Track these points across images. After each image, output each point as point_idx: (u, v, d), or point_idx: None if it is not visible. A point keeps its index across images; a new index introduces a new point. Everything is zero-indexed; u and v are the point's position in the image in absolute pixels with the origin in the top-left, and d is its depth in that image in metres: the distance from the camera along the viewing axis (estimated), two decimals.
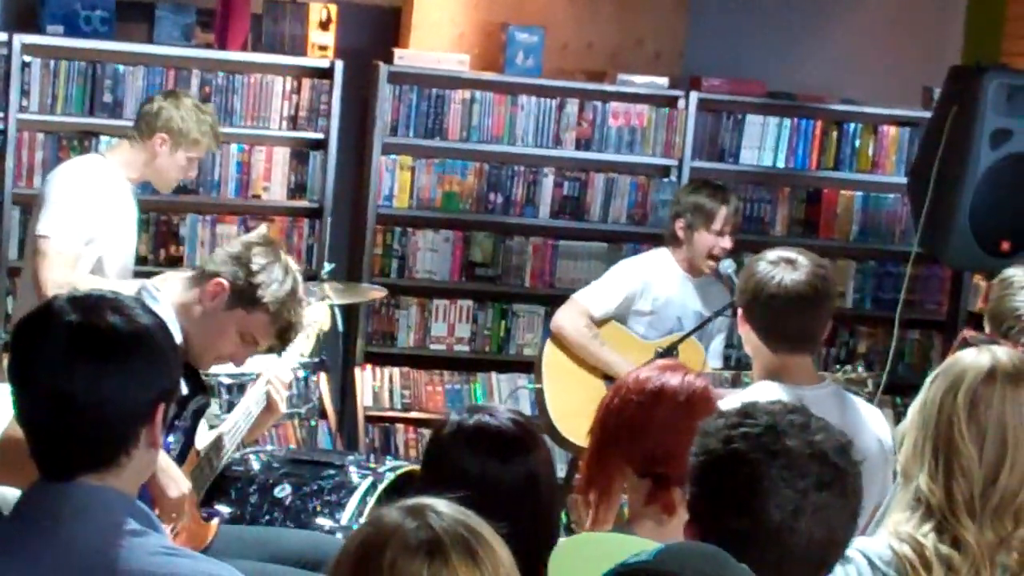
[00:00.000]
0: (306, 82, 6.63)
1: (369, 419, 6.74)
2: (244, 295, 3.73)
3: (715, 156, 7.03)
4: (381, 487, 4.37)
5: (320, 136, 6.65)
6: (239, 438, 4.07)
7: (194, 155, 5.14)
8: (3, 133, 6.28)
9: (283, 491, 4.33)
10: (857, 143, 7.16)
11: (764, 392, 3.38)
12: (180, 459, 3.76)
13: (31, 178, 6.30)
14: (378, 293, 6.19)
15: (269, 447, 5.34)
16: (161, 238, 6.56)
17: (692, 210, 5.74)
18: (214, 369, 4.25)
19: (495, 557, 1.86)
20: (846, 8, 7.37)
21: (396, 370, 6.91)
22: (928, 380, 2.80)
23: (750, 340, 3.63)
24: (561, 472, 5.51)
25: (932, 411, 2.72)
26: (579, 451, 5.03)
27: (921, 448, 2.71)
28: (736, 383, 5.04)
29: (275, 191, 6.68)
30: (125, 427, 2.24)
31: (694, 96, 6.92)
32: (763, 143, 7.07)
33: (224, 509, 4.23)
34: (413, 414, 6.90)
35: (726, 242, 5.74)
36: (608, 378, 5.52)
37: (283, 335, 3.82)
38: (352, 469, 4.45)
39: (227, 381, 4.82)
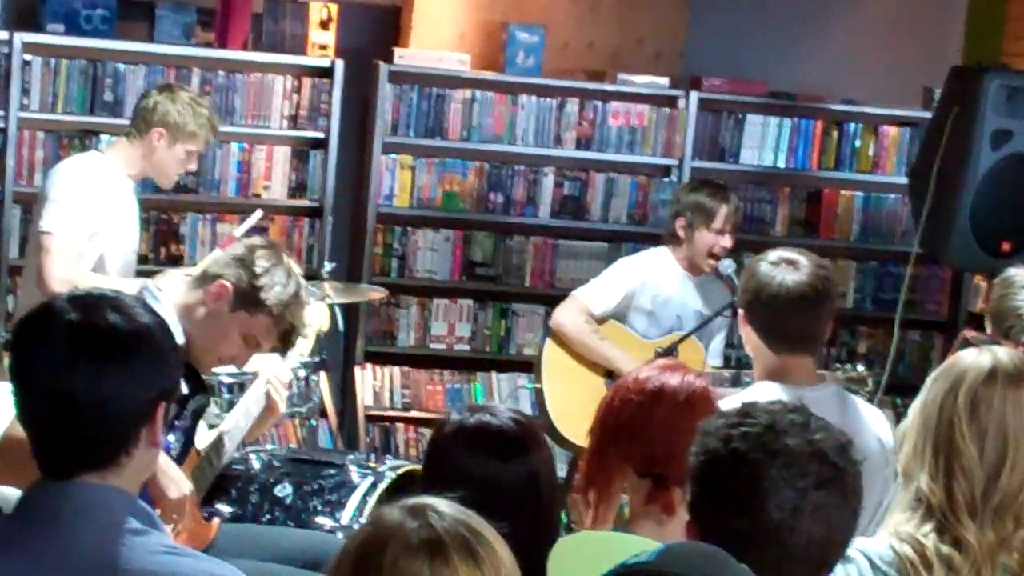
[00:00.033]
0: (306, 81, 6.63)
1: (369, 418, 6.74)
2: (247, 297, 3.74)
3: (715, 156, 7.03)
4: (381, 487, 4.37)
5: (320, 135, 6.65)
6: (239, 437, 4.08)
7: (192, 148, 5.13)
8: (4, 132, 6.28)
9: (284, 490, 4.33)
10: (857, 143, 7.15)
11: (764, 392, 3.38)
12: (180, 459, 3.77)
13: (32, 177, 6.30)
14: (378, 293, 6.19)
15: (270, 446, 5.34)
16: (161, 237, 6.55)
17: (692, 209, 5.74)
18: (214, 368, 4.25)
19: (496, 557, 1.86)
20: (846, 8, 7.37)
21: (396, 369, 6.91)
22: (929, 380, 2.80)
23: (751, 341, 3.64)
24: (561, 472, 5.51)
25: (933, 411, 2.72)
26: (579, 451, 5.05)
27: (922, 448, 2.71)
28: (736, 382, 5.04)
29: (275, 190, 6.68)
30: (125, 426, 2.24)
31: (694, 96, 6.91)
32: (763, 143, 7.06)
33: (225, 508, 4.24)
34: (413, 414, 6.90)
35: (726, 241, 5.74)
36: (608, 376, 5.52)
37: (285, 338, 3.83)
38: (353, 468, 4.46)
39: (227, 381, 4.82)
